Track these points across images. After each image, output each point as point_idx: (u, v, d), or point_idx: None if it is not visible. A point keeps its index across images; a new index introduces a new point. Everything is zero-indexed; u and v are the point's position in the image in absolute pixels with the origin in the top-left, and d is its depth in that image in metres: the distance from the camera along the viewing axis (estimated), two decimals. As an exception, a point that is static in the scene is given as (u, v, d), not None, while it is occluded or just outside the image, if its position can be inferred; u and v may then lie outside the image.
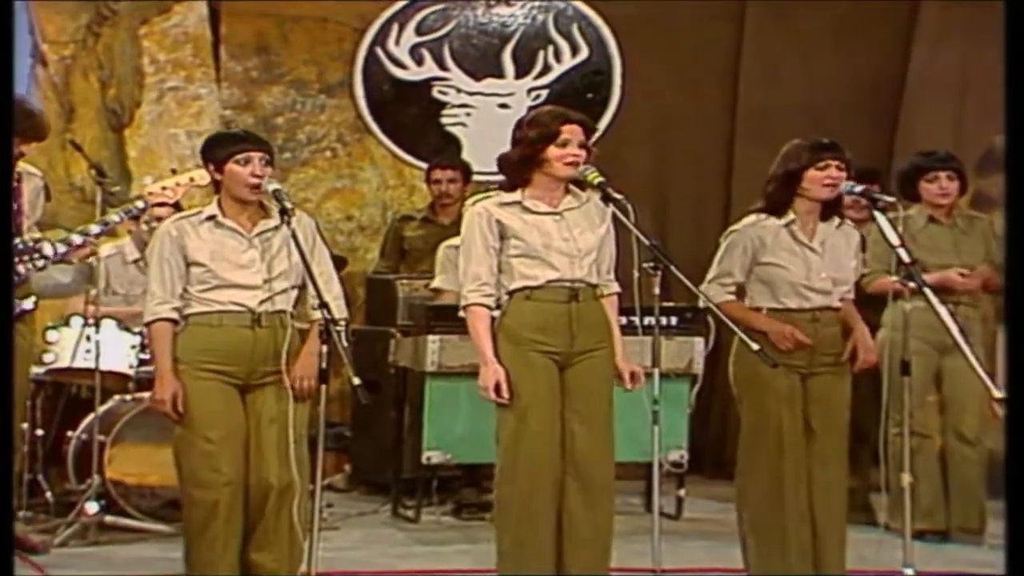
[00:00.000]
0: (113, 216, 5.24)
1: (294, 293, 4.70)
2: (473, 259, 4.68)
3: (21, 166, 5.28)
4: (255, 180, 4.60)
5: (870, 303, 5.61)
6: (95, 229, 5.20)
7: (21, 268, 5.18)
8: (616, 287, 4.81)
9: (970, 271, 6.15)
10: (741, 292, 5.02)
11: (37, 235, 5.37)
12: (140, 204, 5.18)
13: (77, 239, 5.19)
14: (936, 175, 6.20)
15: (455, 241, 6.33)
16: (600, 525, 4.70)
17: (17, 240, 5.14)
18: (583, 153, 4.67)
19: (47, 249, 5.08)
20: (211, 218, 4.65)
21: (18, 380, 5.07)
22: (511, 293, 4.69)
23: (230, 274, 4.61)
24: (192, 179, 5.10)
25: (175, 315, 4.63)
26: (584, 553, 4.68)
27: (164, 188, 5.04)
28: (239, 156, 4.62)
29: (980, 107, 7.79)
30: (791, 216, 4.95)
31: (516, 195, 4.71)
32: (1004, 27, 4.76)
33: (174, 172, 5.23)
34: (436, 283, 6.49)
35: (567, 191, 4.74)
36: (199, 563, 4.62)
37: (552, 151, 4.64)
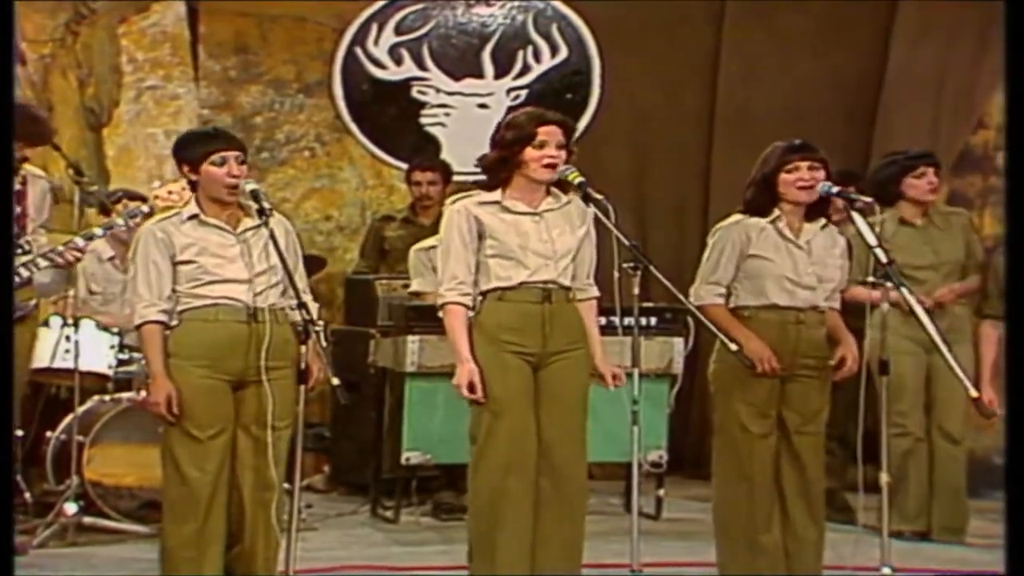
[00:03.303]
0: (118, 220, 5.25)
1: (280, 288, 4.64)
2: (451, 258, 4.68)
3: (27, 168, 5.32)
4: (232, 180, 4.56)
5: (852, 309, 5.61)
6: (99, 232, 5.22)
7: (23, 271, 5.21)
8: (595, 291, 4.80)
9: (958, 275, 6.19)
10: (728, 291, 5.00)
11: (43, 238, 5.39)
12: (145, 208, 5.17)
13: (81, 242, 5.20)
14: (924, 171, 6.21)
15: (426, 244, 6.35)
16: (574, 526, 4.70)
17: (23, 241, 5.17)
18: (561, 154, 4.66)
19: (60, 250, 5.11)
20: (193, 217, 4.60)
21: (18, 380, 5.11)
22: (485, 293, 4.68)
23: (220, 269, 4.55)
24: None
25: (163, 317, 4.57)
26: (557, 554, 4.67)
27: (170, 192, 5.00)
28: (214, 157, 4.57)
29: (956, 107, 7.79)
30: (776, 213, 4.94)
31: (496, 195, 4.71)
32: (1004, 27, 4.76)
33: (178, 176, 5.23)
34: (414, 287, 6.46)
35: (548, 192, 4.73)
36: (176, 560, 4.58)
37: (529, 153, 4.63)
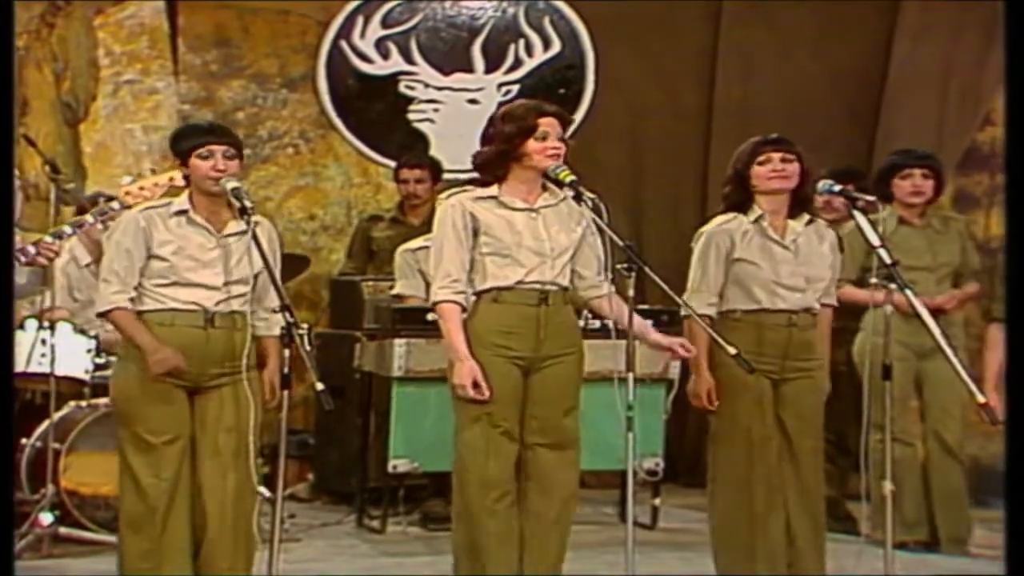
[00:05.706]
0: (88, 218, 5.15)
1: (250, 296, 4.61)
2: (445, 255, 4.61)
3: None
4: (216, 175, 4.54)
5: (843, 309, 5.49)
6: (68, 230, 5.11)
7: None
8: (607, 287, 4.69)
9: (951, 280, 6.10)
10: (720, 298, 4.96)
11: (17, 237, 5.26)
12: (116, 205, 5.07)
13: (50, 241, 5.07)
14: (910, 172, 6.11)
15: (412, 245, 6.35)
16: (560, 534, 4.67)
17: None
18: (563, 145, 4.60)
19: (31, 250, 4.97)
20: (181, 212, 4.58)
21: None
22: (479, 294, 4.62)
23: (191, 273, 4.53)
24: (172, 179, 5.00)
25: (131, 305, 4.55)
26: (541, 561, 4.64)
27: (142, 188, 4.93)
28: (201, 150, 4.55)
29: (962, 104, 7.73)
30: (759, 212, 4.92)
31: (492, 190, 4.65)
32: (1004, 27, 4.71)
33: (153, 172, 5.13)
34: (397, 289, 6.40)
35: (544, 188, 4.67)
36: (133, 573, 4.52)
37: (531, 145, 4.58)
